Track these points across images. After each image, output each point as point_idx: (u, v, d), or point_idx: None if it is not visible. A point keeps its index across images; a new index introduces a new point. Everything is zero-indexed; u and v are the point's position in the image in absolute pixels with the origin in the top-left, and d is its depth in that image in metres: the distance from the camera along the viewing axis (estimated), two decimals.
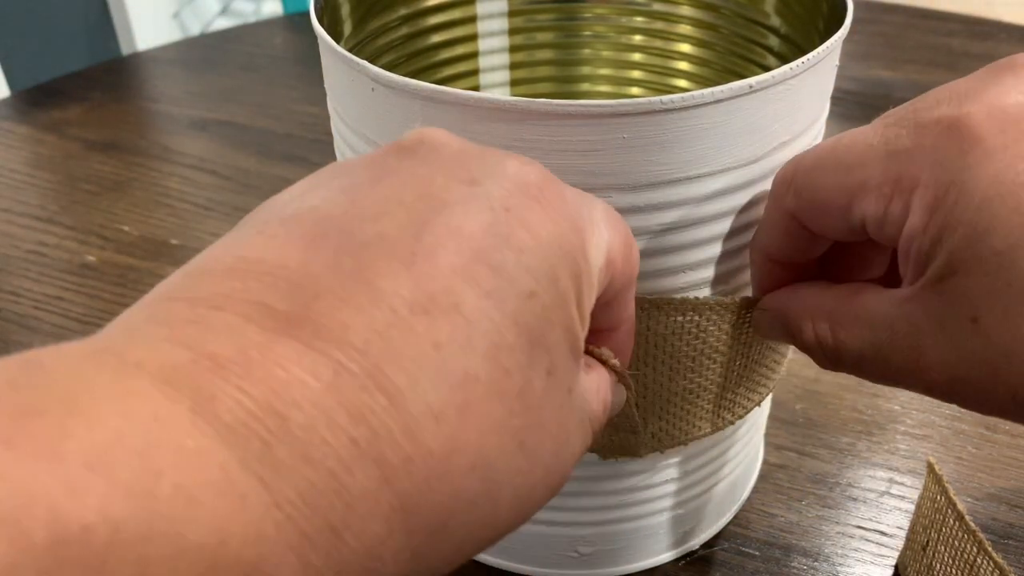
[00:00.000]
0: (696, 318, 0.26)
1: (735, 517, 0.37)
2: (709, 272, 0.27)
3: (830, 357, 0.24)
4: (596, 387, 0.20)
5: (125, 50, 1.60)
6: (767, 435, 0.40)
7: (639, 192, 0.24)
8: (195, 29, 1.73)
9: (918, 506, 0.34)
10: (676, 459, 0.31)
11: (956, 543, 0.30)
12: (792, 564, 0.35)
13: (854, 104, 0.70)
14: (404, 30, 0.35)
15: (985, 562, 0.29)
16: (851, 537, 0.36)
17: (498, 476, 0.16)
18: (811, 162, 0.23)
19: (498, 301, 0.16)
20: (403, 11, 0.35)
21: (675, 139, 0.23)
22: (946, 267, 0.20)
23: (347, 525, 0.14)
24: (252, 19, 1.62)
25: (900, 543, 0.36)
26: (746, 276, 0.27)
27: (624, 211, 0.24)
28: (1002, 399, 0.19)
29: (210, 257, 0.17)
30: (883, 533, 0.36)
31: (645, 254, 0.25)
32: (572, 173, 0.23)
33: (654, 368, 0.27)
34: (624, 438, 0.29)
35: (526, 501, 0.17)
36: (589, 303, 0.19)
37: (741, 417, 0.30)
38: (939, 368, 0.20)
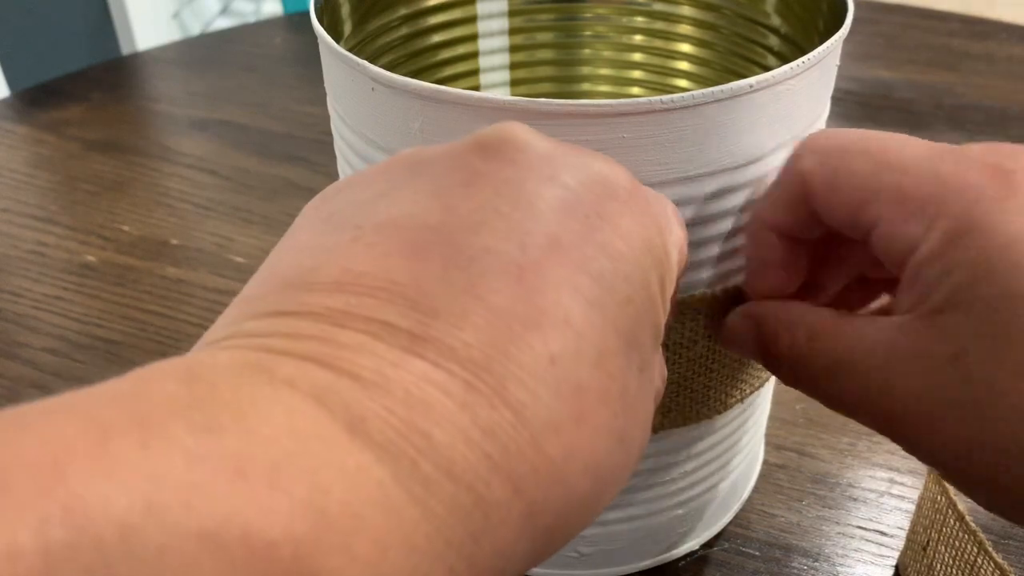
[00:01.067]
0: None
1: (735, 517, 0.37)
2: (708, 272, 0.27)
3: (795, 368, 0.24)
4: (660, 365, 0.21)
5: (125, 50, 1.60)
6: (767, 435, 0.40)
7: None
8: (195, 29, 1.73)
9: (918, 506, 0.34)
10: (677, 459, 0.31)
11: (956, 543, 0.30)
12: (792, 564, 0.35)
13: (854, 104, 0.70)
14: (404, 30, 0.35)
15: (986, 562, 0.29)
16: (851, 537, 0.36)
17: (604, 474, 0.17)
18: (850, 141, 0.22)
19: (600, 310, 0.17)
20: (403, 11, 0.35)
21: (675, 139, 0.23)
22: (945, 302, 0.19)
23: (484, 532, 0.15)
24: (252, 19, 1.62)
25: (900, 543, 0.36)
26: (743, 275, 0.27)
27: None
28: (961, 441, 0.20)
29: (307, 264, 0.17)
30: (883, 533, 0.36)
31: None
32: None
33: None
34: None
35: (620, 486, 0.18)
36: (670, 296, 0.20)
37: (729, 408, 0.30)
38: (903, 399, 0.20)
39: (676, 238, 0.20)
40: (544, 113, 0.23)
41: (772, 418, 0.41)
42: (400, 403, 0.15)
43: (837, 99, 0.77)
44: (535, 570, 0.34)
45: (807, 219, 0.23)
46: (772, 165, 0.25)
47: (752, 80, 0.23)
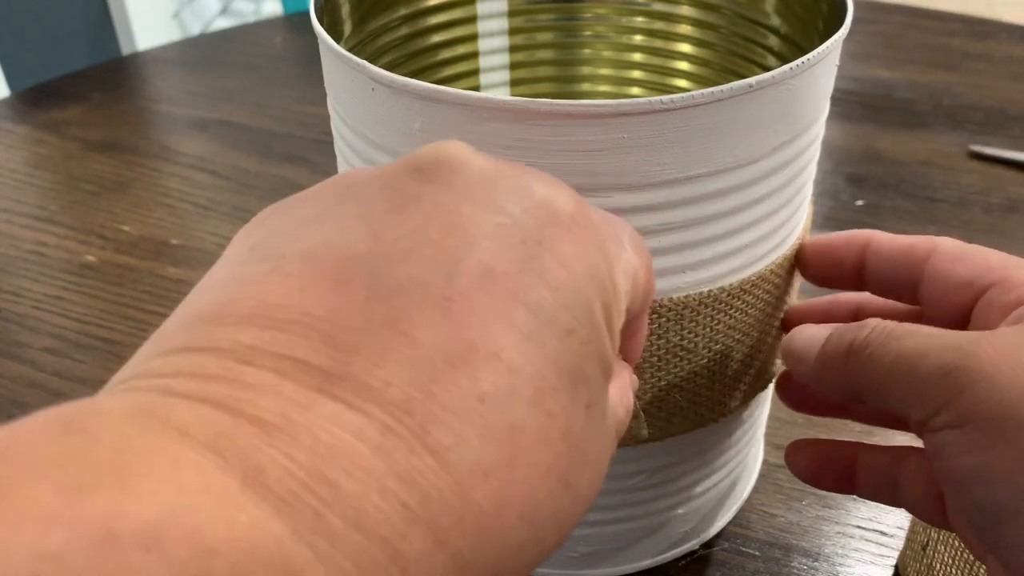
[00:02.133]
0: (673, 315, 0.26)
1: (735, 517, 0.37)
2: (709, 272, 0.27)
3: (869, 336, 0.24)
4: (621, 395, 0.20)
5: (125, 50, 1.60)
6: (767, 435, 0.40)
7: (639, 192, 0.24)
8: (195, 29, 1.73)
9: None
10: (677, 459, 0.31)
11: (956, 543, 0.30)
12: (792, 564, 0.35)
13: (854, 104, 0.70)
14: (404, 30, 0.35)
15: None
16: (851, 537, 0.36)
17: (545, 520, 0.16)
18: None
19: (538, 343, 0.16)
20: (403, 11, 0.35)
21: (675, 139, 0.23)
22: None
23: None
24: (252, 19, 1.62)
25: (900, 543, 0.36)
26: (743, 275, 0.27)
27: (624, 211, 0.24)
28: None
29: (222, 298, 0.16)
30: (883, 533, 0.36)
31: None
32: (573, 173, 0.23)
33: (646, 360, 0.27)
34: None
35: (568, 530, 0.17)
36: (619, 327, 0.18)
37: (732, 412, 0.30)
38: (997, 347, 0.22)
39: (626, 264, 0.19)
40: (543, 113, 0.23)
41: (772, 418, 0.41)
42: (305, 450, 0.13)
43: (837, 99, 0.77)
44: (535, 569, 0.34)
45: (906, 267, 0.27)
46: (772, 165, 0.25)
47: (752, 80, 0.23)
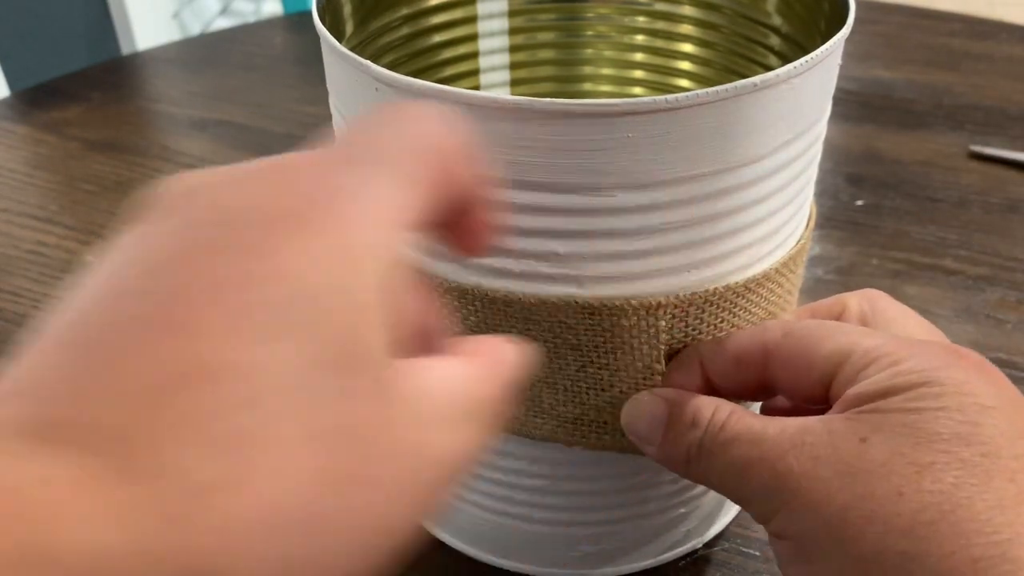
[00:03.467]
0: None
1: (736, 517, 0.37)
2: (713, 270, 0.27)
3: (700, 440, 0.25)
4: (468, 375, 0.18)
5: (125, 50, 1.60)
6: None
7: (644, 191, 0.24)
8: (195, 29, 1.73)
9: None
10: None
11: None
12: None
13: (854, 104, 0.70)
14: (405, 30, 0.35)
15: None
16: None
17: (323, 524, 0.15)
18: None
19: (273, 344, 0.15)
20: (404, 11, 0.35)
21: (681, 138, 0.23)
22: (874, 407, 0.23)
23: None
24: (252, 19, 1.62)
25: None
26: (747, 273, 0.27)
27: (629, 210, 0.24)
28: (834, 509, 0.22)
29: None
30: None
31: (651, 253, 0.25)
32: (578, 172, 0.23)
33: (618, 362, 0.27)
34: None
35: (397, 529, 0.16)
36: (397, 293, 0.17)
37: None
38: (805, 462, 0.23)
39: (393, 204, 0.17)
40: (549, 112, 0.23)
41: None
42: (16, 520, 0.12)
43: (837, 99, 0.76)
44: (537, 570, 0.34)
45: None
46: (775, 163, 0.25)
47: (756, 79, 0.23)
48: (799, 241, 0.29)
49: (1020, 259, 0.53)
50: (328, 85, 0.29)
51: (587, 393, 0.28)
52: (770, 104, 0.24)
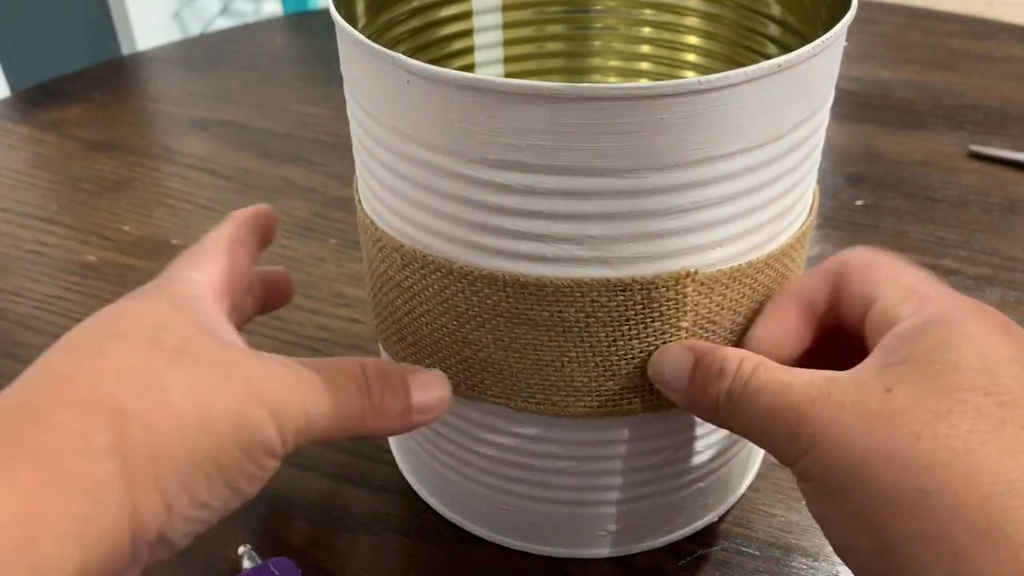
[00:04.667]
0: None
1: (736, 517, 0.37)
2: (737, 247, 0.28)
3: (730, 401, 0.26)
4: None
5: (125, 50, 1.60)
6: None
7: (674, 171, 0.25)
8: (195, 29, 1.73)
9: None
10: (700, 432, 0.32)
11: None
12: (792, 564, 0.35)
13: (854, 104, 0.70)
14: (414, 23, 0.35)
15: None
16: None
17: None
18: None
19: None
20: (414, 3, 0.35)
21: (710, 119, 0.24)
22: (901, 359, 0.24)
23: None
24: (252, 19, 1.62)
25: None
26: (766, 249, 0.28)
27: (660, 191, 0.25)
28: (857, 452, 0.23)
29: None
30: None
31: (679, 232, 0.26)
32: (612, 156, 0.24)
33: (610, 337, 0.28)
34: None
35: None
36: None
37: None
38: (831, 410, 0.24)
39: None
40: (586, 97, 0.23)
41: None
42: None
43: (837, 99, 0.77)
44: (565, 551, 0.35)
45: (828, 293, 0.28)
46: (792, 142, 0.27)
47: (780, 60, 0.24)
48: (808, 217, 0.31)
49: (1020, 259, 0.53)
50: (347, 81, 0.29)
51: (618, 364, 0.29)
52: (791, 83, 0.25)
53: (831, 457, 0.24)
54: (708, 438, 0.33)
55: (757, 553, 0.35)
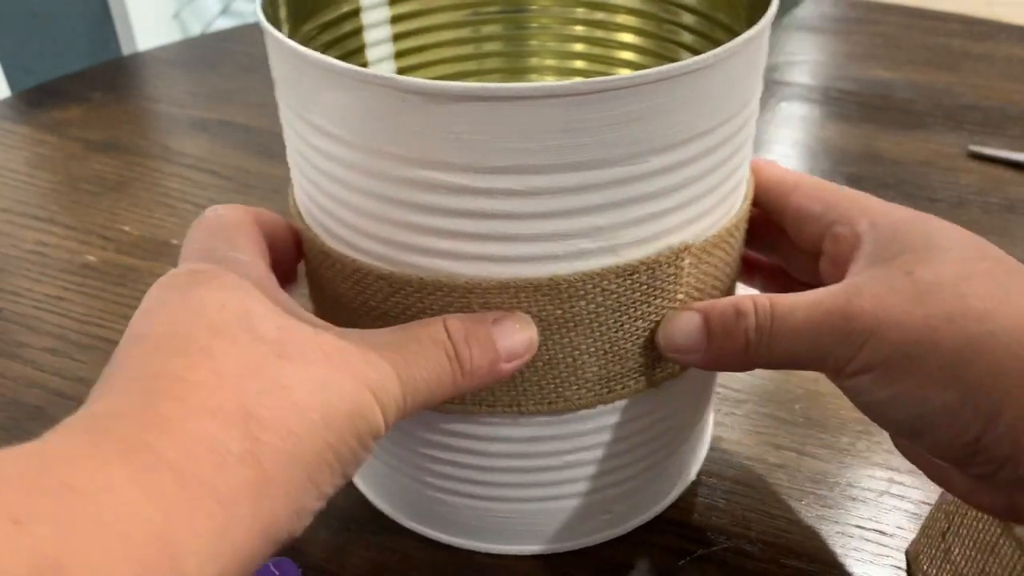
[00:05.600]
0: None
1: (736, 517, 0.37)
2: (718, 213, 0.29)
3: (756, 324, 0.28)
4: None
5: (125, 50, 1.60)
6: (766, 435, 0.41)
7: (673, 151, 0.26)
8: (195, 29, 1.73)
9: (942, 493, 0.34)
10: (685, 399, 0.34)
11: (978, 525, 0.31)
12: (792, 564, 0.35)
13: (854, 104, 0.70)
14: (324, 37, 0.35)
15: (1007, 543, 0.29)
16: (851, 537, 0.36)
17: None
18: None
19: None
20: (325, 18, 0.35)
21: (700, 96, 0.25)
22: (900, 248, 0.27)
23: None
24: (252, 19, 1.62)
25: (900, 542, 0.36)
26: (735, 209, 0.31)
27: (661, 172, 0.26)
28: (917, 322, 0.25)
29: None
30: (883, 533, 0.36)
31: (676, 209, 0.27)
32: (619, 145, 0.25)
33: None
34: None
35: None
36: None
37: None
38: (870, 300, 0.26)
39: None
40: (596, 91, 0.23)
41: (771, 418, 0.41)
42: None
43: (837, 99, 0.77)
44: (572, 544, 0.35)
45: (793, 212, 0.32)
46: (752, 109, 0.29)
47: (748, 34, 0.26)
48: (751, 181, 0.33)
49: (1019, 259, 0.53)
50: (308, 115, 0.27)
51: (625, 347, 0.29)
52: (753, 56, 0.27)
53: (895, 335, 0.25)
54: (694, 402, 0.34)
55: (757, 553, 0.36)
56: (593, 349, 0.29)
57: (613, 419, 0.31)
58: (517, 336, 0.27)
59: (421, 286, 0.27)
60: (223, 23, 1.78)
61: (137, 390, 0.22)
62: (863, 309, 0.26)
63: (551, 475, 0.32)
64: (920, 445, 0.27)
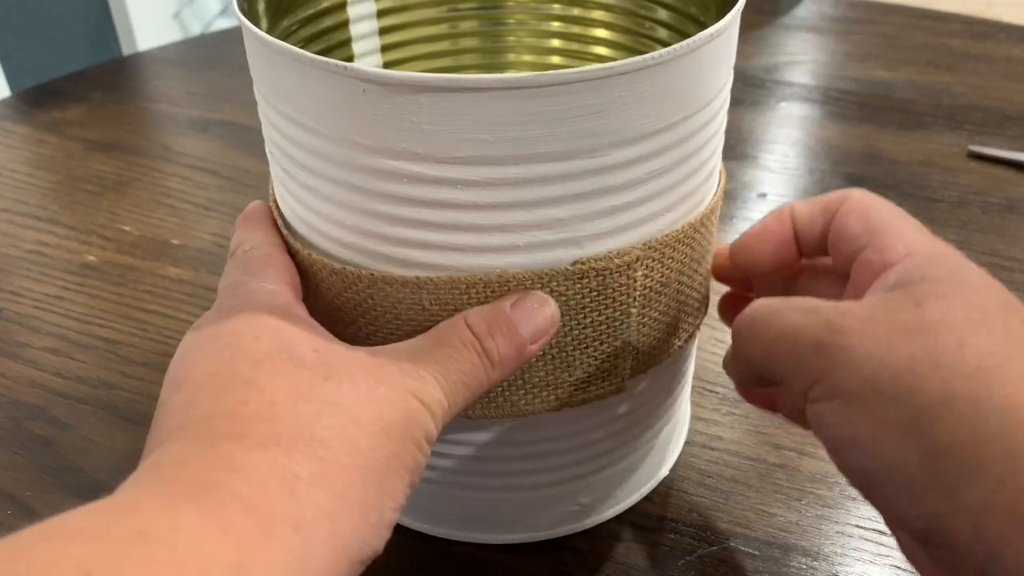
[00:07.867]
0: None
1: (735, 517, 0.37)
2: (679, 211, 0.29)
3: (755, 312, 0.27)
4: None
5: (126, 50, 1.60)
6: (765, 435, 0.41)
7: (632, 146, 0.26)
8: (195, 29, 1.73)
9: None
10: (657, 387, 0.34)
11: None
12: (792, 564, 0.35)
13: (853, 104, 0.70)
14: (304, 32, 0.35)
15: None
16: (850, 536, 0.36)
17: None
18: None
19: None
20: (304, 13, 0.35)
21: (659, 91, 0.25)
22: (920, 279, 0.25)
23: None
24: None
25: None
26: (699, 209, 0.30)
27: (621, 166, 0.26)
28: (899, 359, 0.23)
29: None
30: (882, 532, 0.36)
31: (636, 204, 0.27)
32: (579, 138, 0.25)
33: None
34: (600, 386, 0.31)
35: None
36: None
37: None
38: (860, 322, 0.24)
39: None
40: (555, 84, 0.24)
41: (771, 418, 0.41)
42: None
43: (837, 99, 0.77)
44: (537, 535, 0.35)
45: (824, 222, 0.29)
46: (718, 105, 0.29)
47: (712, 29, 0.26)
48: (721, 176, 0.33)
49: (1019, 259, 0.53)
50: (277, 104, 0.28)
51: (573, 355, 0.29)
52: (718, 51, 0.27)
53: (867, 367, 0.23)
54: (663, 392, 0.34)
55: (757, 553, 0.36)
56: (541, 352, 0.29)
57: (569, 421, 0.31)
58: (538, 315, 0.27)
59: (372, 282, 0.28)
60: (223, 23, 1.78)
61: (193, 435, 0.22)
62: (849, 328, 0.24)
63: (517, 466, 0.33)
64: (875, 506, 0.25)
